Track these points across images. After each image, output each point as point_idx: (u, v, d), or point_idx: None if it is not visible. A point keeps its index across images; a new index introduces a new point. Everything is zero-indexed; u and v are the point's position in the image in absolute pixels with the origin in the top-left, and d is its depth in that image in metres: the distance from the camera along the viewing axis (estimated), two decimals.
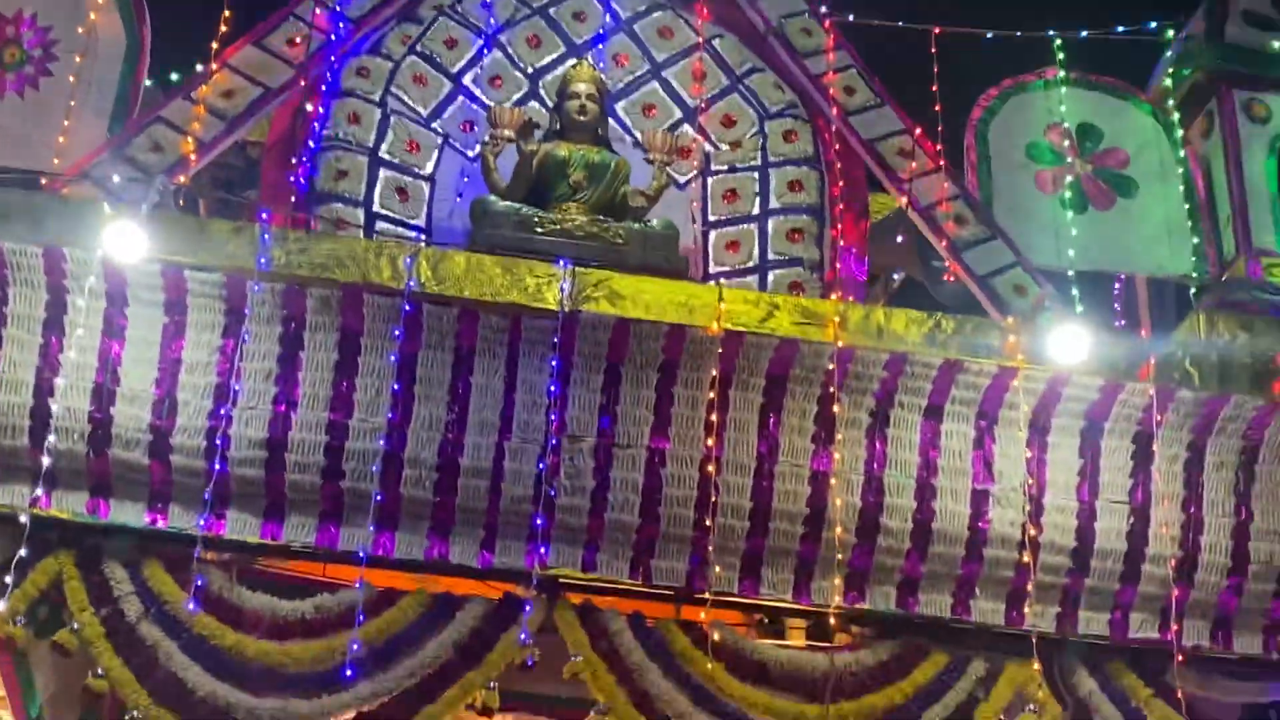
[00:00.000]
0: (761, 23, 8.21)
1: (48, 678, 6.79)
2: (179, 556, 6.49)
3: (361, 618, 6.44)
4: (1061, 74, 8.17)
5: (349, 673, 6.38)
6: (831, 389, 6.78)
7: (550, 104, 7.94)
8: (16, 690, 6.72)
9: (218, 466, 6.49)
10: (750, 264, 7.79)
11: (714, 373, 6.71)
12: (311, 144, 7.56)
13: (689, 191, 8.04)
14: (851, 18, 8.22)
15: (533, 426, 6.65)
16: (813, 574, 6.78)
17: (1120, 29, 8.37)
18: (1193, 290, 7.89)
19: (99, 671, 6.38)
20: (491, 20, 8.17)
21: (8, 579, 6.35)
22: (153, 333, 6.64)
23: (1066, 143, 8.03)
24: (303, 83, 7.59)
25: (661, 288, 6.74)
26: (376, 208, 7.57)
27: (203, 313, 6.65)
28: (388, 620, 6.53)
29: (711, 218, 7.97)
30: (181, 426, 6.55)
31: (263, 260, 6.54)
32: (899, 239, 8.24)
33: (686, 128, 8.07)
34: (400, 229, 7.56)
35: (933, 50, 8.02)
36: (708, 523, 6.63)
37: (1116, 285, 8.24)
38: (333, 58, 7.71)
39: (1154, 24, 8.39)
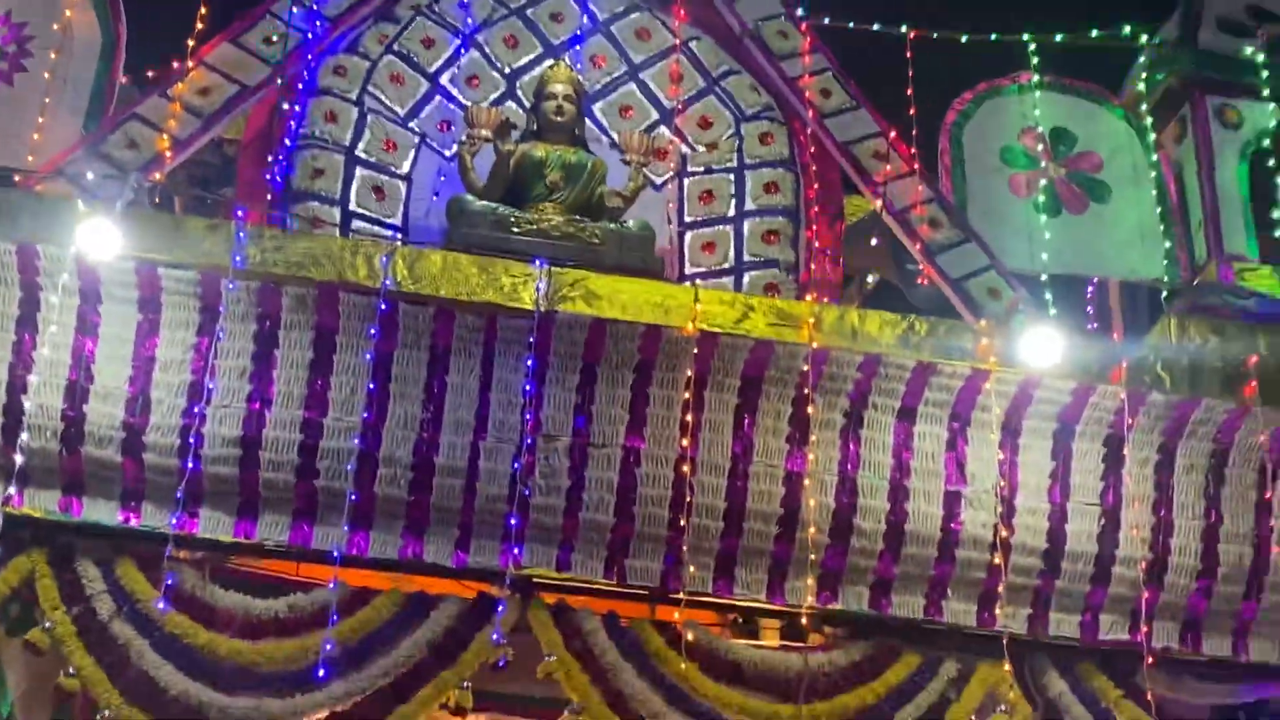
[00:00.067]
0: (738, 25, 8.22)
1: (19, 676, 6.74)
2: (152, 555, 6.46)
3: (335, 617, 6.42)
4: (1036, 78, 8.20)
5: (322, 672, 6.37)
6: (806, 390, 6.79)
7: (527, 104, 7.93)
8: None
9: (191, 464, 6.47)
10: (726, 265, 7.80)
11: (689, 373, 6.71)
12: (288, 142, 7.54)
13: (665, 192, 8.05)
14: (828, 21, 8.24)
15: (508, 426, 6.64)
16: (786, 574, 6.80)
17: (1094, 34, 8.40)
18: (1164, 294, 7.93)
19: (71, 670, 6.35)
20: (469, 20, 8.16)
21: None
22: (127, 330, 6.61)
23: (1040, 147, 8.07)
24: (279, 81, 7.58)
25: (637, 288, 6.75)
26: (353, 206, 7.55)
27: (177, 310, 6.62)
28: (361, 619, 6.52)
29: (687, 219, 7.98)
30: (155, 424, 6.52)
31: (238, 258, 6.51)
32: (874, 241, 8.24)
33: (663, 129, 8.08)
34: (376, 228, 7.55)
35: (908, 54, 8.07)
36: (682, 523, 6.64)
37: (1089, 289, 8.25)
38: (310, 56, 7.68)
39: (1128, 29, 8.43)
